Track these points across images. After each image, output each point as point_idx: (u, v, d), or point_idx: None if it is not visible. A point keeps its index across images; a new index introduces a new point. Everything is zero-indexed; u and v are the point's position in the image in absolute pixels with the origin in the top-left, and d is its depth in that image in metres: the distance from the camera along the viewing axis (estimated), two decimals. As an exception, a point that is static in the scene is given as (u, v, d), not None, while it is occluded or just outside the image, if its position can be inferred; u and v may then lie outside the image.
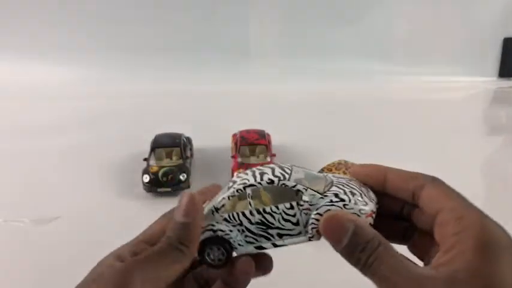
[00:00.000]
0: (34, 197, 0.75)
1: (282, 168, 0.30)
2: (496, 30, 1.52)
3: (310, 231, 0.28)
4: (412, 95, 1.39)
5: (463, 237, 0.24)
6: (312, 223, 0.28)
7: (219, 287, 0.31)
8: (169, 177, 0.74)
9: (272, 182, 0.29)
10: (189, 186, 0.76)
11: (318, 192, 0.28)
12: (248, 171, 0.31)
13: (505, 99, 1.44)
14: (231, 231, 0.29)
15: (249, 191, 0.29)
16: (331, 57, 1.46)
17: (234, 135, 0.88)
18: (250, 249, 0.30)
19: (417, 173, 0.29)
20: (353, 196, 0.28)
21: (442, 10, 1.48)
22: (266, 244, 0.29)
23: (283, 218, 0.29)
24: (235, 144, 0.83)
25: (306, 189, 0.28)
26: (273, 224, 0.29)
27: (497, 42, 1.53)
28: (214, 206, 0.30)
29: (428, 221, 0.28)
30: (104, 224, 0.66)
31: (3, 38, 1.36)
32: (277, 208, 0.29)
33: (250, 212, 0.29)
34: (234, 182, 0.30)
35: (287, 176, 0.29)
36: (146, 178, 0.74)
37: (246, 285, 0.31)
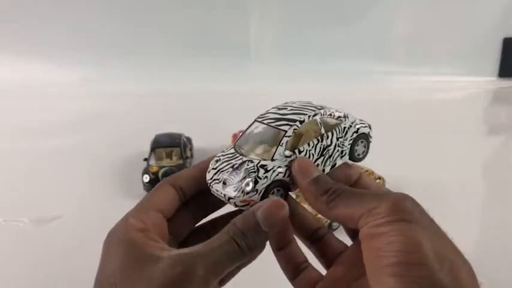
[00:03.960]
0: (34, 197, 0.75)
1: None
2: (496, 30, 1.52)
3: None
4: (412, 95, 1.39)
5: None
6: None
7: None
8: (169, 177, 0.74)
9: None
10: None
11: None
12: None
13: (505, 99, 1.44)
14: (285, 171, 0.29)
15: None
16: (331, 57, 1.46)
17: (234, 135, 0.88)
18: None
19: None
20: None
21: (442, 10, 1.48)
22: None
23: None
24: (235, 144, 0.83)
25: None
26: None
27: (497, 42, 1.53)
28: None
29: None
30: (104, 224, 0.66)
31: (4, 38, 1.36)
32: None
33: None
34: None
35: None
36: (146, 178, 0.74)
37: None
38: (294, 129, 0.29)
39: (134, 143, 0.90)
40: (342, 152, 0.32)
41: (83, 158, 0.91)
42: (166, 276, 0.23)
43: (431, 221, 0.25)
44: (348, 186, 0.29)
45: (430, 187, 0.66)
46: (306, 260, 0.31)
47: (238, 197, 0.28)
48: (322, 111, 0.31)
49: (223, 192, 0.29)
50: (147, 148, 0.81)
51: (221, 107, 1.24)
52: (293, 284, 0.31)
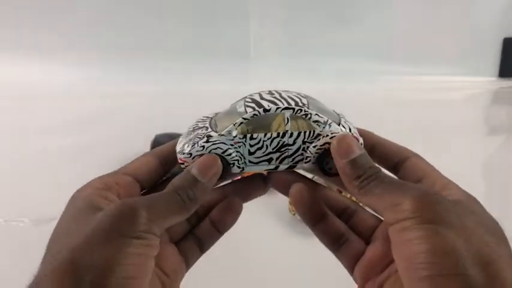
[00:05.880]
0: (34, 197, 0.75)
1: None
2: (496, 30, 1.51)
3: None
4: (412, 95, 1.39)
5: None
6: None
7: (207, 225, 0.32)
8: (169, 177, 0.74)
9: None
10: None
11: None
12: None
13: (505, 99, 1.44)
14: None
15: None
16: (332, 57, 1.46)
17: (234, 135, 0.88)
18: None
19: (405, 147, 0.31)
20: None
21: (442, 10, 1.48)
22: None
23: None
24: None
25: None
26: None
27: (497, 42, 1.53)
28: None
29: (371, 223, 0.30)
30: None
31: (4, 38, 1.36)
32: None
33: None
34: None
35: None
36: (146, 178, 0.74)
37: (232, 225, 0.32)
38: (254, 114, 0.30)
39: (134, 143, 0.90)
40: (306, 157, 0.30)
41: (83, 158, 0.91)
42: (107, 215, 0.24)
43: (461, 214, 0.23)
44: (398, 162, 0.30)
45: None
46: (347, 232, 0.31)
47: (178, 153, 0.30)
48: (298, 108, 0.30)
49: (177, 146, 0.31)
50: (147, 148, 0.81)
51: (221, 107, 1.24)
52: (336, 257, 0.31)
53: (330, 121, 0.30)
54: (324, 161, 0.30)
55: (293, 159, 0.31)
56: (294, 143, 0.30)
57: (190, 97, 1.29)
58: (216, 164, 0.29)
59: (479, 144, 1.03)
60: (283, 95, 0.31)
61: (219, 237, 0.32)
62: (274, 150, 0.30)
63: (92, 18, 1.39)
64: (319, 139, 0.30)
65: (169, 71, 1.40)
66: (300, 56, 1.47)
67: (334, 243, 0.31)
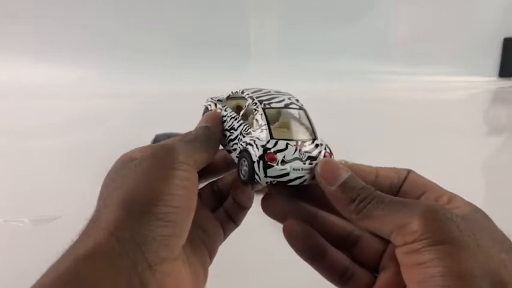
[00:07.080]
0: (34, 197, 0.75)
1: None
2: (496, 30, 1.52)
3: None
4: (412, 95, 1.39)
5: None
6: None
7: (230, 202, 0.33)
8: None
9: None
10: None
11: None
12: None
13: (505, 99, 1.44)
14: None
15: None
16: (331, 57, 1.46)
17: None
18: None
19: (397, 168, 0.30)
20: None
21: (442, 10, 1.48)
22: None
23: None
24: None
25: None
26: None
27: (497, 42, 1.53)
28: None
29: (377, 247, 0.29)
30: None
31: (4, 38, 1.36)
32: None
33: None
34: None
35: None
36: (146, 178, 0.74)
37: (251, 202, 0.33)
38: (231, 92, 0.34)
39: (134, 143, 0.90)
40: (236, 149, 0.30)
41: (83, 158, 0.91)
42: (147, 155, 0.26)
43: (474, 232, 0.22)
44: (397, 182, 0.28)
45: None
46: (351, 265, 0.29)
47: None
48: (256, 101, 0.30)
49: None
50: (147, 148, 0.81)
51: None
52: None
53: (265, 128, 0.28)
54: (239, 163, 0.29)
55: (233, 144, 0.31)
56: (236, 129, 0.31)
57: (190, 97, 1.29)
58: (217, 114, 0.33)
59: (479, 144, 1.03)
60: (280, 93, 0.33)
61: (246, 212, 0.33)
62: (229, 128, 0.31)
63: (91, 18, 1.39)
64: (248, 136, 0.29)
65: (170, 71, 1.40)
66: (300, 56, 1.47)
67: (340, 279, 0.29)
